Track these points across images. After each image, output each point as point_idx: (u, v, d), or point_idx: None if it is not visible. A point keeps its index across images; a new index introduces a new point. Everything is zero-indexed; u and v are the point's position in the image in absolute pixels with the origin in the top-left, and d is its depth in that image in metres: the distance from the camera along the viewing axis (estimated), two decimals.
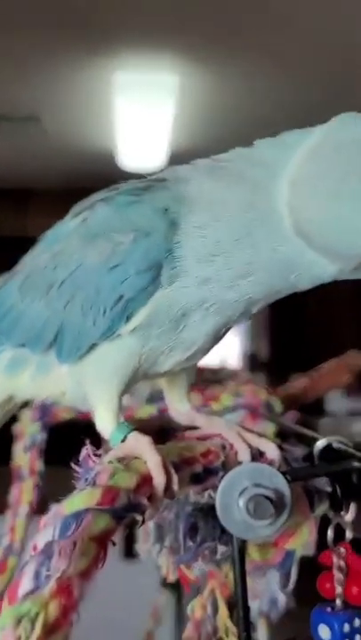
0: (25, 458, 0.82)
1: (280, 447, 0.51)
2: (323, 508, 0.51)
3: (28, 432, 0.81)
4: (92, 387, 0.46)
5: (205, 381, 0.99)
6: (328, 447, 0.52)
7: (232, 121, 3.53)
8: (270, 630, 0.71)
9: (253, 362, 4.99)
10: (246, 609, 0.44)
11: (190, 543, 0.45)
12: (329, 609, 0.52)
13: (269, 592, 0.60)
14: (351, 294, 4.53)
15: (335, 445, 0.51)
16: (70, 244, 0.47)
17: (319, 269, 0.43)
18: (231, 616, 0.51)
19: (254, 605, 0.61)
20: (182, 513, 0.46)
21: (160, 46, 2.72)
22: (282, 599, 0.61)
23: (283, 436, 0.71)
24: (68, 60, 2.82)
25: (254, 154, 0.45)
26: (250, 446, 0.47)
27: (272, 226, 0.42)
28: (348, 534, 0.53)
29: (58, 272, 0.46)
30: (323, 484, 0.51)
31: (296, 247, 0.42)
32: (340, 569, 0.52)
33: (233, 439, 0.49)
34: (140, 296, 0.43)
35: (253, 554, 0.48)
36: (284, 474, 0.44)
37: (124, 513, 0.35)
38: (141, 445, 0.41)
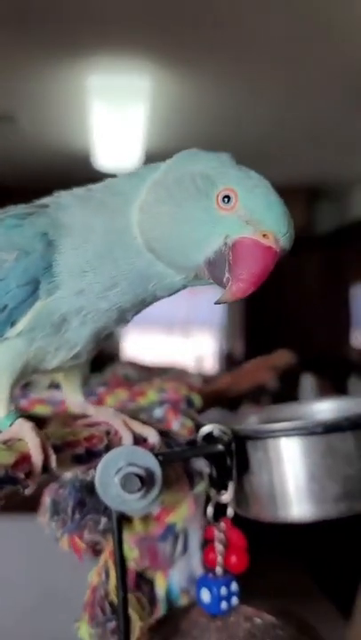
0: None
1: (166, 434, 0.58)
2: (202, 486, 0.58)
3: None
4: None
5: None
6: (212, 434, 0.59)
7: (203, 121, 3.61)
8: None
9: (229, 361, 5.07)
10: (123, 571, 0.51)
11: (77, 516, 0.52)
12: (210, 575, 0.60)
13: (188, 569, 0.68)
14: (326, 294, 4.62)
15: (215, 432, 0.59)
16: None
17: (169, 279, 0.51)
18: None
19: (175, 580, 0.68)
20: (72, 490, 0.53)
21: (133, 49, 2.78)
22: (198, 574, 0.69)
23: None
24: (44, 62, 2.87)
25: (116, 185, 0.54)
26: (133, 432, 0.55)
27: (128, 244, 0.51)
28: (229, 511, 0.60)
29: None
30: (201, 465, 0.58)
31: (148, 261, 0.51)
32: (220, 541, 0.60)
33: (118, 426, 0.56)
34: (22, 306, 0.51)
35: (138, 526, 0.56)
36: (156, 455, 0.51)
37: (1, 484, 0.43)
38: (24, 429, 0.49)
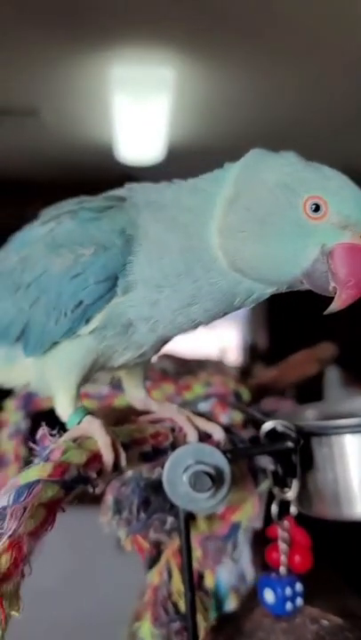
0: (9, 444, 0.87)
1: (228, 430, 0.56)
2: (266, 484, 0.56)
3: (12, 420, 0.87)
4: (53, 378, 0.52)
5: (190, 372, 1.05)
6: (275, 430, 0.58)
7: (228, 114, 3.57)
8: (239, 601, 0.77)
9: (253, 352, 5.04)
10: (191, 572, 0.50)
11: (142, 515, 0.51)
12: (274, 575, 0.58)
13: (238, 568, 0.67)
14: None
15: (279, 429, 0.57)
16: (37, 251, 0.52)
17: (258, 292, 0.49)
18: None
19: (224, 578, 0.67)
20: (136, 488, 0.52)
21: (156, 41, 2.75)
22: (250, 574, 0.67)
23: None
24: (66, 54, 2.85)
25: (184, 199, 0.51)
26: (197, 429, 0.53)
27: (209, 265, 0.48)
28: (292, 509, 0.59)
29: (25, 275, 0.52)
30: (266, 462, 0.56)
31: (234, 280, 0.48)
32: (283, 540, 0.58)
33: (182, 423, 0.55)
34: (98, 303, 0.49)
35: (202, 526, 0.54)
36: (224, 452, 0.50)
37: (74, 484, 0.41)
38: (93, 427, 0.47)
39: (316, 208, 0.45)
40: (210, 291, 0.48)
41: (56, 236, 0.51)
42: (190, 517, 0.53)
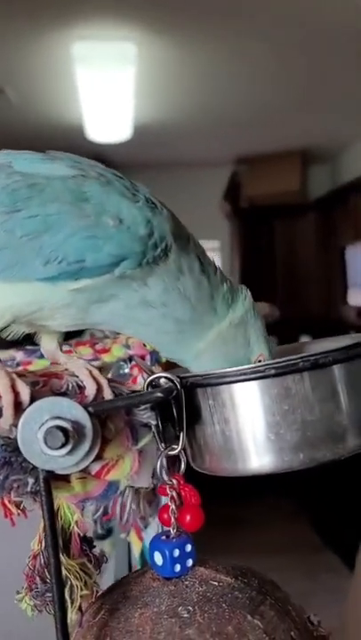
0: None
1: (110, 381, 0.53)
2: (145, 440, 0.53)
3: None
4: None
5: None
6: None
7: (193, 87, 3.51)
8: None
9: None
10: (55, 537, 0.47)
11: (1, 477, 0.47)
12: (164, 537, 0.55)
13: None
14: (320, 257, 4.56)
15: (161, 381, 0.53)
16: (55, 189, 0.49)
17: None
18: (65, 547, 0.53)
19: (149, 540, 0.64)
20: None
21: (119, 16, 2.69)
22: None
23: None
24: (28, 32, 2.78)
25: (199, 289, 0.55)
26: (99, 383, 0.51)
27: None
28: (182, 465, 0.55)
29: (32, 203, 0.49)
30: (146, 417, 0.53)
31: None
32: (172, 499, 0.55)
33: (83, 376, 0.53)
34: (96, 270, 0.48)
35: (76, 486, 0.51)
36: (85, 406, 0.46)
37: None
38: None
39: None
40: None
41: (83, 188, 0.50)
42: (57, 478, 0.49)
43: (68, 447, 0.44)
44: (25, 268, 0.48)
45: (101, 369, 0.54)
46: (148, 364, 0.84)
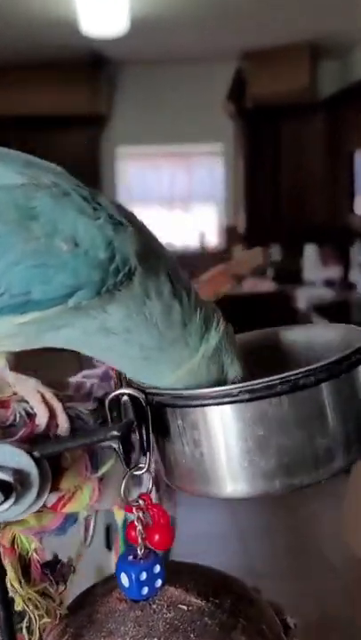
0: None
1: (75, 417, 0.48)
2: (107, 466, 0.49)
3: None
4: None
5: None
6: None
7: None
8: None
9: (231, 235, 4.90)
10: (2, 575, 0.43)
11: None
12: (131, 557, 0.52)
13: None
14: (328, 161, 4.36)
15: (123, 399, 0.48)
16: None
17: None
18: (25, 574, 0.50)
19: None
20: None
21: None
22: None
23: None
24: None
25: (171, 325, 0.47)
26: (51, 410, 0.46)
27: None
28: (149, 486, 0.51)
29: None
30: (107, 443, 0.48)
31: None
32: (139, 519, 0.51)
33: (34, 402, 0.48)
34: (45, 304, 0.41)
35: (31, 520, 0.47)
36: (30, 452, 0.41)
37: None
38: None
39: None
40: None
41: (32, 202, 0.41)
42: None
43: (10, 501, 0.40)
44: None
45: (55, 391, 0.48)
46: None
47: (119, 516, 0.72)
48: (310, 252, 4.49)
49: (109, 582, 0.55)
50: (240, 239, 4.76)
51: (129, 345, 0.46)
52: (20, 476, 0.40)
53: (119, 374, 0.56)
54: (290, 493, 0.51)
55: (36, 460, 0.41)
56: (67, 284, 0.40)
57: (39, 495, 0.42)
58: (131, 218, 0.45)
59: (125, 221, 0.43)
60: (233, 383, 0.48)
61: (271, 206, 4.54)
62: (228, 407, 0.46)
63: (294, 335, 0.62)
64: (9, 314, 0.41)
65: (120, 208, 0.45)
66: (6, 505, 0.40)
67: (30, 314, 0.41)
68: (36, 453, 0.41)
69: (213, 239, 5.04)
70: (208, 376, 0.49)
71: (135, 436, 0.48)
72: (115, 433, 0.43)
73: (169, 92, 4.63)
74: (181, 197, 4.99)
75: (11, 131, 4.13)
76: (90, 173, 4.35)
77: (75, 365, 0.72)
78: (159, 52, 4.39)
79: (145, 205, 4.75)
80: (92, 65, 4.43)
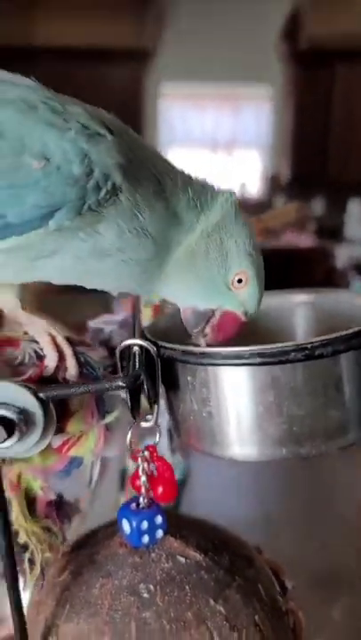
0: None
1: (84, 364, 0.48)
2: (113, 415, 0.49)
3: None
4: None
5: None
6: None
7: None
8: None
9: (274, 184, 4.79)
10: (6, 516, 0.44)
11: None
12: (134, 505, 0.52)
13: None
14: None
15: (134, 349, 0.47)
16: None
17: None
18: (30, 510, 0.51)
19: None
20: None
21: None
22: None
23: None
24: None
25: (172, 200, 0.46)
26: (61, 352, 0.46)
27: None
28: (156, 437, 0.51)
29: None
30: (115, 389, 0.48)
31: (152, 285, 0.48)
32: (142, 471, 0.51)
33: (44, 343, 0.47)
34: (24, 227, 0.40)
35: (36, 459, 0.47)
36: (36, 393, 0.41)
37: None
38: None
39: (240, 281, 0.48)
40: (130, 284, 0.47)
41: (8, 121, 0.39)
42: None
43: (14, 439, 0.40)
44: None
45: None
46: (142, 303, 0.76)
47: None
48: (354, 207, 4.37)
49: (113, 526, 0.56)
50: (283, 189, 4.65)
51: (126, 265, 0.44)
52: (25, 416, 0.41)
53: (135, 323, 0.55)
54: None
55: (42, 401, 0.41)
56: (41, 204, 0.39)
57: (43, 436, 0.42)
58: (113, 125, 0.42)
59: (104, 131, 0.41)
60: (239, 281, 0.48)
61: (318, 157, 4.41)
62: (239, 369, 0.46)
63: (321, 299, 0.60)
64: None
65: (100, 115, 0.42)
66: (9, 442, 0.40)
67: (10, 239, 0.40)
68: (41, 395, 0.41)
69: (255, 187, 4.93)
70: (207, 263, 0.47)
71: (144, 388, 0.47)
72: (120, 384, 0.42)
73: (219, 29, 4.45)
74: (225, 141, 4.87)
75: (49, 62, 4.04)
76: (132, 111, 4.23)
77: (100, 310, 0.72)
78: None
79: (187, 147, 4.66)
80: (138, 1, 4.28)
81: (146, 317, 0.68)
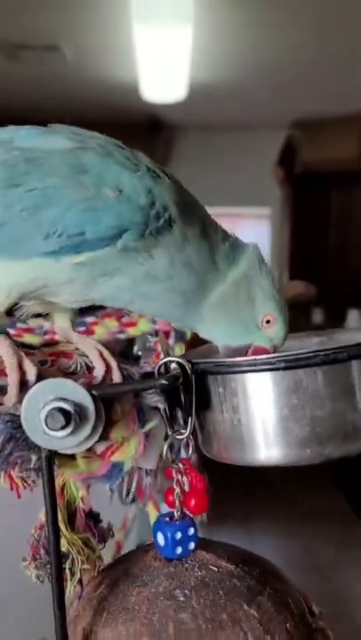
0: None
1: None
2: (152, 424, 0.53)
3: None
4: None
5: None
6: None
7: (251, 49, 3.41)
8: None
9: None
10: (55, 512, 0.47)
11: (3, 453, 0.48)
12: (168, 519, 0.55)
13: None
14: None
15: (172, 366, 0.53)
16: (53, 162, 0.49)
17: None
18: (70, 522, 0.54)
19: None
20: (1, 424, 0.49)
21: None
22: None
23: None
24: None
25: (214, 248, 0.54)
26: (108, 365, 0.51)
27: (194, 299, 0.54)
28: (190, 450, 0.55)
29: (31, 178, 0.49)
30: (154, 400, 0.53)
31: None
32: (177, 483, 0.55)
33: (93, 357, 0.53)
34: (97, 243, 0.48)
35: (81, 465, 0.51)
36: (89, 389, 0.46)
37: None
38: (2, 347, 0.48)
39: (268, 322, 0.56)
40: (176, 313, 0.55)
41: (81, 160, 0.49)
42: (62, 455, 0.50)
43: (69, 429, 0.45)
44: (26, 244, 0.48)
45: (111, 351, 0.53)
46: (172, 340, 0.84)
47: (152, 514, 0.75)
48: (353, 317, 4.52)
49: (146, 547, 0.59)
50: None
51: (172, 292, 0.52)
52: (79, 409, 0.45)
53: (163, 346, 0.62)
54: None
55: (94, 398, 0.46)
56: (113, 224, 0.48)
57: (93, 430, 0.46)
58: (168, 174, 0.52)
59: (163, 175, 0.51)
60: (267, 322, 0.55)
61: (316, 271, 4.60)
62: (266, 375, 0.51)
63: (338, 336, 0.66)
64: (67, 254, 0.48)
65: (159, 166, 0.52)
66: (64, 432, 0.44)
67: (84, 253, 0.48)
68: (93, 391, 0.46)
69: None
70: (237, 307, 0.54)
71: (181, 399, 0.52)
72: (163, 382, 0.48)
73: (221, 157, 4.81)
74: None
75: None
76: None
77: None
78: (214, 117, 4.60)
79: None
80: (150, 129, 4.66)
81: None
